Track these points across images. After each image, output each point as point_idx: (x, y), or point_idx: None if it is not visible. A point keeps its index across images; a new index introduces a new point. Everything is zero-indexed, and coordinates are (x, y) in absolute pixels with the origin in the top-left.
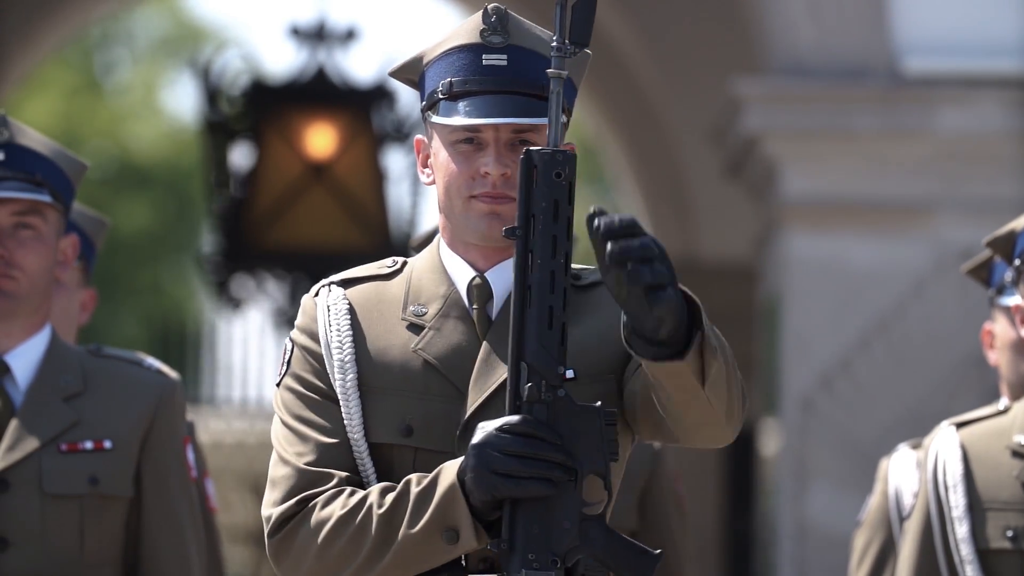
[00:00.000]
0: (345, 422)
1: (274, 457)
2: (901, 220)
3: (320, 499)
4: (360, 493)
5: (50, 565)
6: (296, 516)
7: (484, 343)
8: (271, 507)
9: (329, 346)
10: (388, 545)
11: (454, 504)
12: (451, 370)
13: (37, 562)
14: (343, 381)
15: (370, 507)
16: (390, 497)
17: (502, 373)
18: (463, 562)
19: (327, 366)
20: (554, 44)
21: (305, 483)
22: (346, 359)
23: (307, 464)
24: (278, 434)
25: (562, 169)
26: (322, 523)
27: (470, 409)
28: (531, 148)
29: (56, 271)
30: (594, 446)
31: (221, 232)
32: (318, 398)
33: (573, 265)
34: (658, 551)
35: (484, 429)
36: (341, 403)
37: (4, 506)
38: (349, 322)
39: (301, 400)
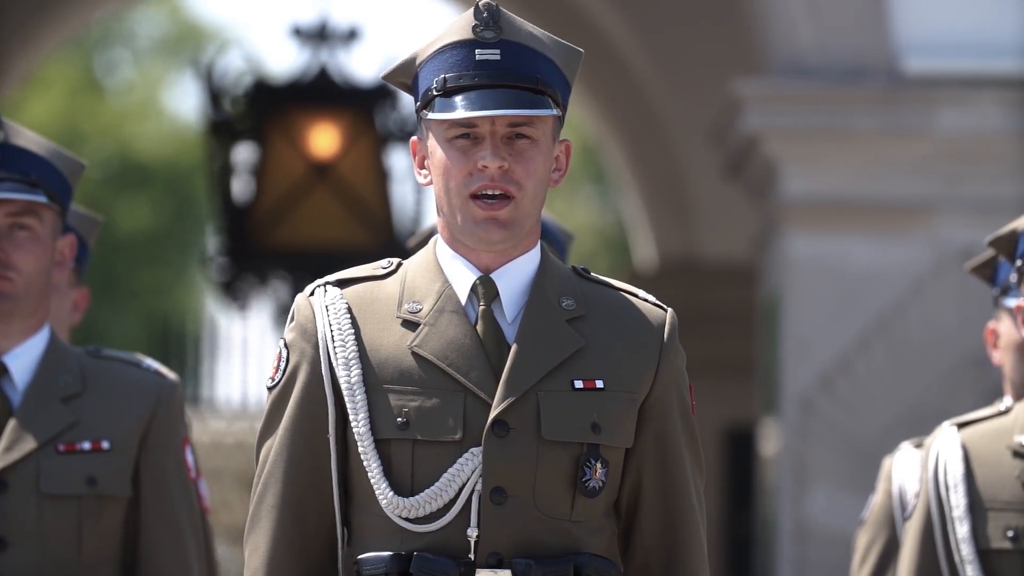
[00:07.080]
0: (351, 419)
1: (255, 484)
2: (901, 220)
3: None
4: None
5: (48, 565)
6: None
7: (514, 346)
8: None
9: (329, 345)
10: None
11: None
12: (449, 364)
13: (35, 562)
14: (348, 377)
15: None
16: None
17: (535, 375)
18: (472, 556)
19: (332, 364)
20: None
21: None
22: (350, 356)
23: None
24: (261, 463)
25: None
26: None
27: (501, 406)
28: None
29: (54, 272)
30: None
31: (225, 233)
32: (297, 436)
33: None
34: None
35: None
36: (347, 400)
37: (2, 506)
38: (349, 320)
39: (285, 437)
